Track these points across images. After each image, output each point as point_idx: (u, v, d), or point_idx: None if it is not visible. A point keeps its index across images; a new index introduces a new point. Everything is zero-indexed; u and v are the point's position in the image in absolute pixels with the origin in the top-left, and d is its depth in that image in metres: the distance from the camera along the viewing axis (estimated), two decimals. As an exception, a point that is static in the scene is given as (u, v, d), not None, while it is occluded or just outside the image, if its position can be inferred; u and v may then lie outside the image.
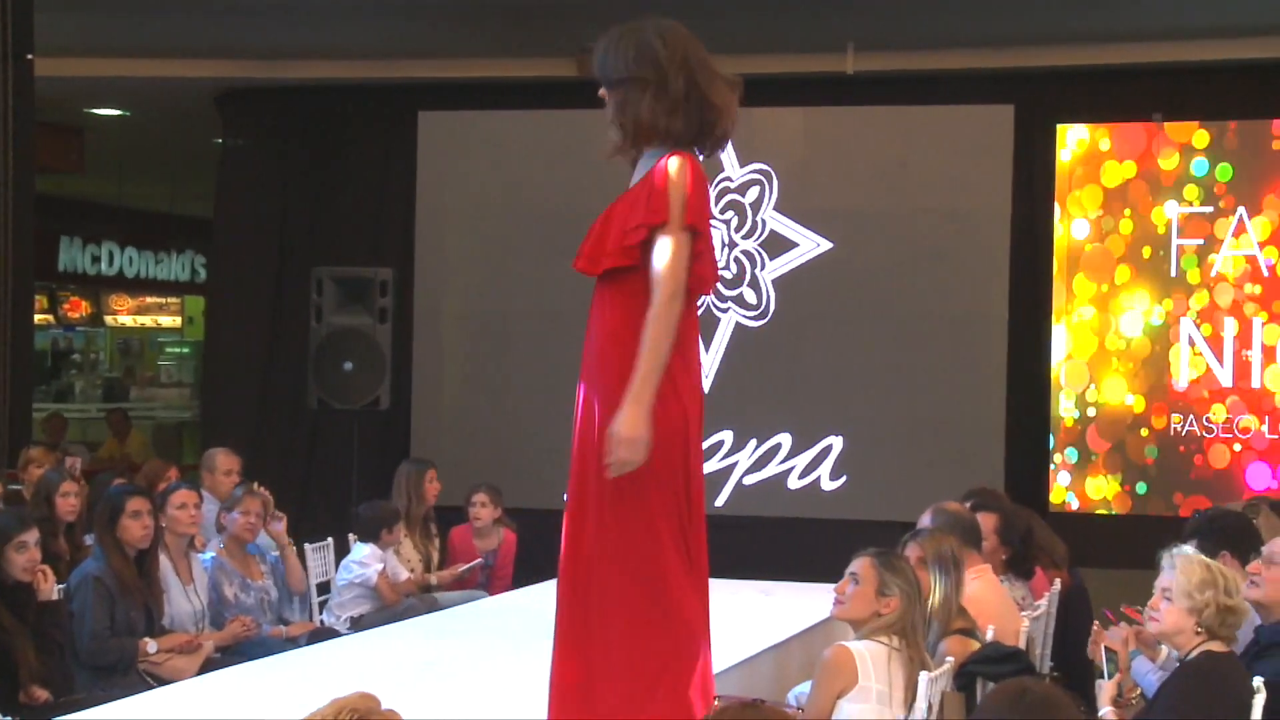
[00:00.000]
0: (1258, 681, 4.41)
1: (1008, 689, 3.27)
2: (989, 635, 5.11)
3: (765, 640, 5.77)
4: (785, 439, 9.72)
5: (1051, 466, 9.55)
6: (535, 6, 9.39)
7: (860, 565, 4.67)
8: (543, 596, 6.96)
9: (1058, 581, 6.51)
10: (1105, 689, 4.48)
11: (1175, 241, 9.38)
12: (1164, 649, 4.78)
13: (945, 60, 9.68)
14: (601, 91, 3.73)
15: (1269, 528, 6.17)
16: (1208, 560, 4.51)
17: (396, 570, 7.48)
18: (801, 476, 9.70)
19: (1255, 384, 9.20)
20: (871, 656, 4.46)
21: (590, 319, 3.77)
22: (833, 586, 4.80)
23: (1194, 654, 4.44)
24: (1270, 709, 4.39)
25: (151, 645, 5.91)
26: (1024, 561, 6.14)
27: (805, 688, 4.79)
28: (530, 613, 6.53)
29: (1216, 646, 4.50)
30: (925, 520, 5.67)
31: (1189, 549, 4.56)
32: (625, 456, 3.57)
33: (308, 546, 7.70)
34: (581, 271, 3.79)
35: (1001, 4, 9.17)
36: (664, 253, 3.56)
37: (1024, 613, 5.75)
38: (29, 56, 8.19)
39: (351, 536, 7.87)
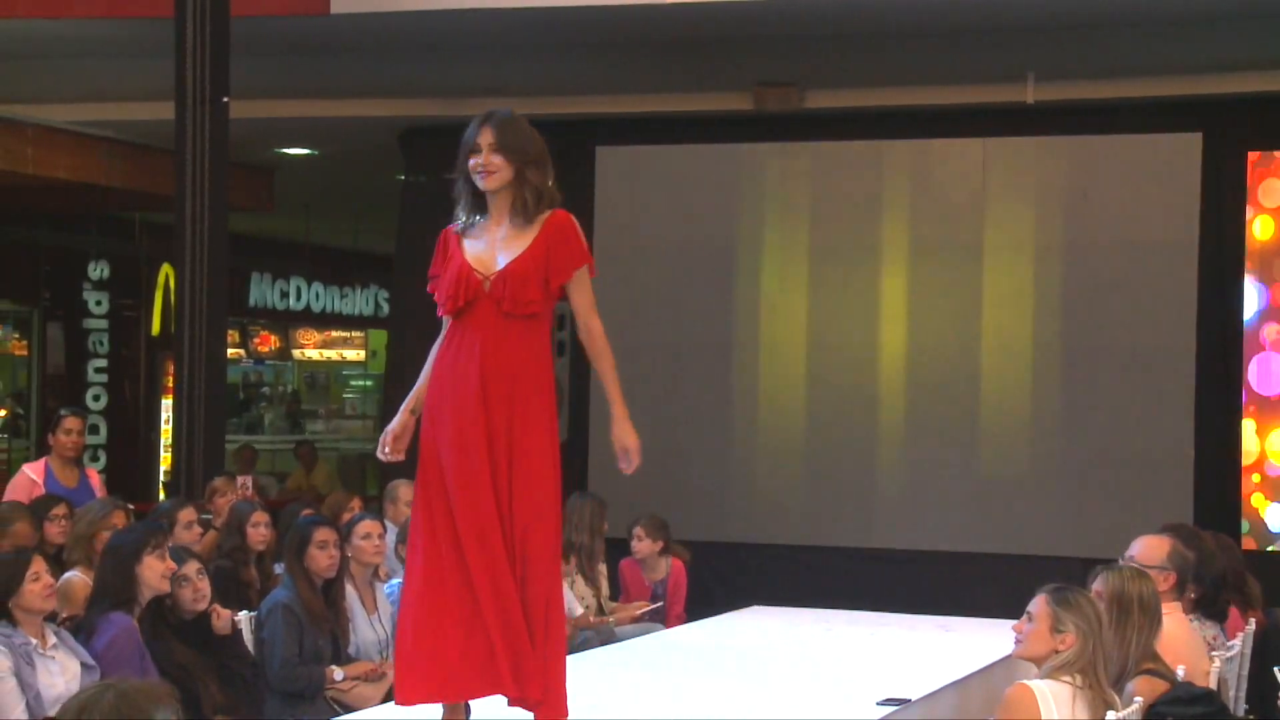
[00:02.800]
0: None
1: None
2: (1180, 674, 4.98)
3: (946, 676, 5.70)
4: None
5: (1242, 503, 9.27)
6: (711, 41, 9.44)
7: (1036, 603, 4.61)
8: (717, 629, 6.99)
9: (1253, 621, 6.32)
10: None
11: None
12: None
13: (1126, 89, 9.50)
14: (491, 157, 4.33)
15: None
16: None
17: (571, 605, 7.52)
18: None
19: None
20: (1054, 695, 4.38)
21: (497, 348, 4.33)
22: (1012, 624, 4.74)
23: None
24: None
25: (338, 673, 6.03)
26: (1215, 601, 5.97)
27: (987, 726, 4.71)
28: (705, 646, 6.55)
29: None
30: (1143, 554, 5.54)
31: None
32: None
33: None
34: (507, 313, 4.33)
35: (1182, 30, 9.00)
36: (587, 288, 4.38)
37: (1215, 653, 5.60)
38: (225, 100, 8.45)
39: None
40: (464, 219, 4.42)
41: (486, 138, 4.35)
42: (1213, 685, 5.28)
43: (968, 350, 9.70)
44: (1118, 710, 4.38)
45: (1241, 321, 9.34)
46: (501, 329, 4.33)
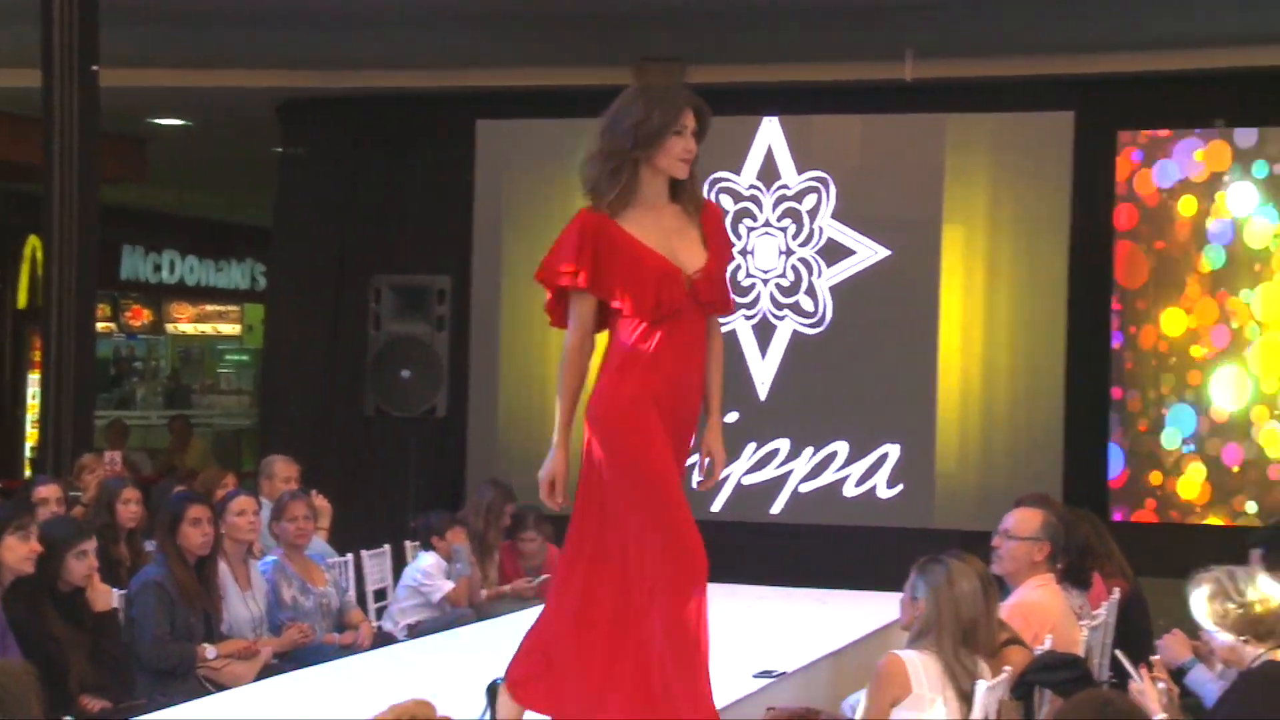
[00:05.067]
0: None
1: (1091, 699, 3.27)
2: (1047, 644, 5.09)
3: (821, 648, 5.76)
4: (842, 447, 9.68)
5: (1110, 474, 9.46)
6: (593, 15, 9.41)
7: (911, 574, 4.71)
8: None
9: (1116, 590, 6.46)
10: (1149, 694, 4.46)
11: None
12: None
13: (1004, 67, 9.62)
14: (692, 143, 4.11)
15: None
16: (1208, 575, 4.54)
17: (456, 575, 7.49)
18: (858, 484, 9.67)
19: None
20: (924, 665, 4.44)
21: (702, 351, 4.07)
22: (889, 595, 4.81)
23: (1256, 663, 4.43)
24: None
25: (210, 651, 5.96)
26: (1080, 571, 6.09)
27: (860, 696, 4.77)
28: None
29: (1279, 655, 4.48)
30: (1017, 525, 5.64)
31: (1199, 584, 4.58)
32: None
33: (365, 554, 7.75)
34: (708, 314, 4.12)
35: (1061, 10, 9.12)
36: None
37: (1082, 622, 5.71)
38: (94, 68, 8.27)
39: (410, 544, 7.91)
40: (609, 201, 4.03)
41: (690, 121, 4.08)
42: (1081, 654, 5.39)
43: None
44: (986, 679, 4.45)
45: (1110, 297, 9.51)
46: (701, 330, 4.07)
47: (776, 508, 9.75)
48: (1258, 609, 4.49)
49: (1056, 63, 9.50)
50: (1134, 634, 6.27)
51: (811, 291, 9.83)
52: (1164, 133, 9.43)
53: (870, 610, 6.50)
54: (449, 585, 7.40)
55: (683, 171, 4.08)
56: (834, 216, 9.81)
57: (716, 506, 9.75)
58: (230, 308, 18.28)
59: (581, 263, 4.00)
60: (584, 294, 4.04)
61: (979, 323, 9.63)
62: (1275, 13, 8.82)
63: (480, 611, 7.43)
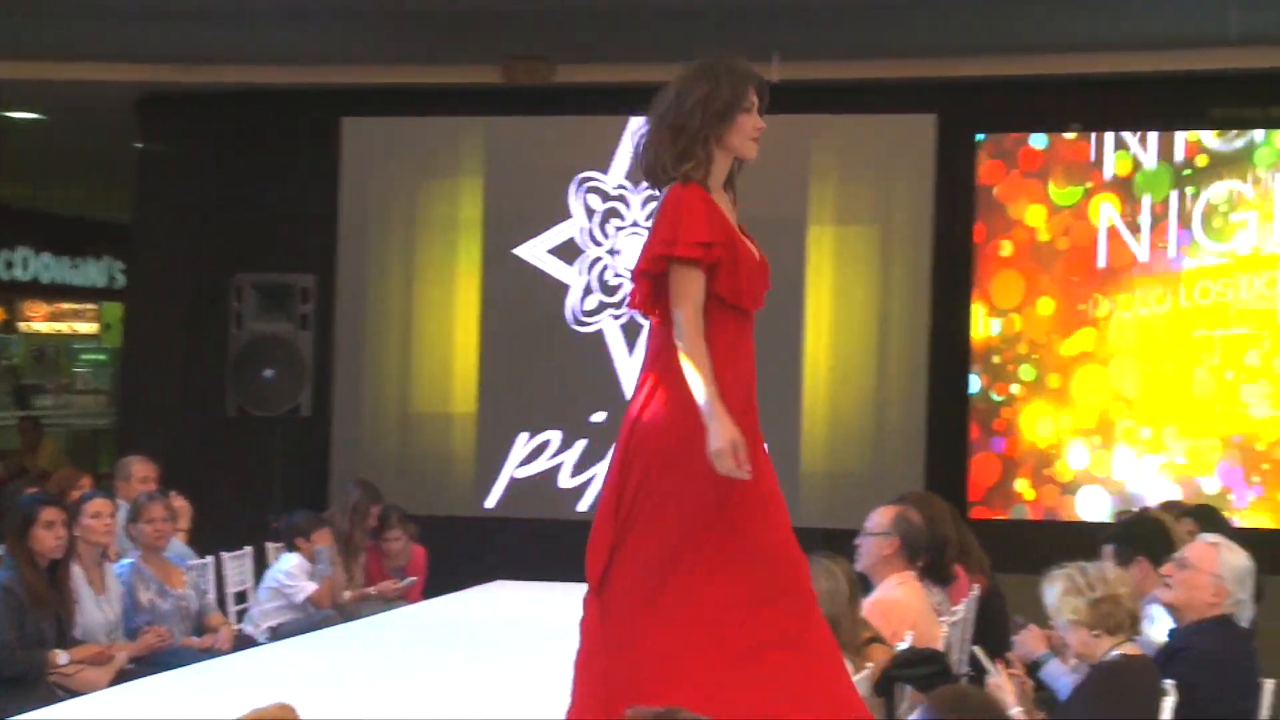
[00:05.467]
0: (1168, 684, 4.48)
1: (948, 693, 3.30)
2: (908, 640, 5.14)
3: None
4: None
5: (970, 473, 9.60)
6: (460, 13, 9.34)
7: None
8: (459, 604, 6.95)
9: (976, 586, 6.55)
10: (1006, 688, 4.54)
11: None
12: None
13: (869, 70, 9.73)
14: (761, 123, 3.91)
15: (1185, 531, 6.26)
16: (1061, 570, 4.64)
17: (319, 577, 7.40)
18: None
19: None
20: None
21: (751, 348, 3.92)
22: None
23: (1107, 656, 4.52)
24: (1181, 711, 4.46)
25: (62, 657, 5.82)
26: (941, 567, 6.17)
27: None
28: (444, 621, 6.51)
29: (1130, 649, 4.58)
30: (873, 523, 5.71)
31: (1052, 580, 4.67)
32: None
33: (225, 555, 7.63)
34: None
35: (924, 14, 9.24)
36: None
37: (942, 618, 5.79)
38: (-58, 59, 8.06)
39: (272, 545, 7.80)
40: (698, 181, 3.81)
41: (756, 100, 3.86)
42: (941, 649, 5.46)
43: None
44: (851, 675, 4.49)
45: (970, 296, 9.66)
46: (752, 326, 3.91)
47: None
48: (1109, 603, 4.58)
49: (919, 66, 9.62)
50: (992, 629, 6.36)
51: (679, 291, 9.84)
52: (1023, 135, 9.59)
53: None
54: (312, 586, 7.31)
55: (752, 151, 3.90)
56: (700, 217, 9.84)
57: (583, 506, 9.73)
58: (87, 306, 17.89)
59: (715, 235, 3.76)
60: (697, 270, 3.76)
61: (843, 322, 9.72)
62: (1128, 19, 9.04)
63: (344, 613, 7.35)
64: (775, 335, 9.70)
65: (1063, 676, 4.86)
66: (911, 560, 5.81)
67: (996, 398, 9.59)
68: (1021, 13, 9.27)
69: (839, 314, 9.73)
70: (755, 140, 3.87)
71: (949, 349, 9.64)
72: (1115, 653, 4.55)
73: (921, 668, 4.77)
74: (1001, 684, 4.60)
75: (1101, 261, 9.46)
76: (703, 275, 3.76)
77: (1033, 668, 5.03)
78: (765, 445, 3.97)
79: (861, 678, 4.56)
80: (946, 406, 9.59)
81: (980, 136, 9.67)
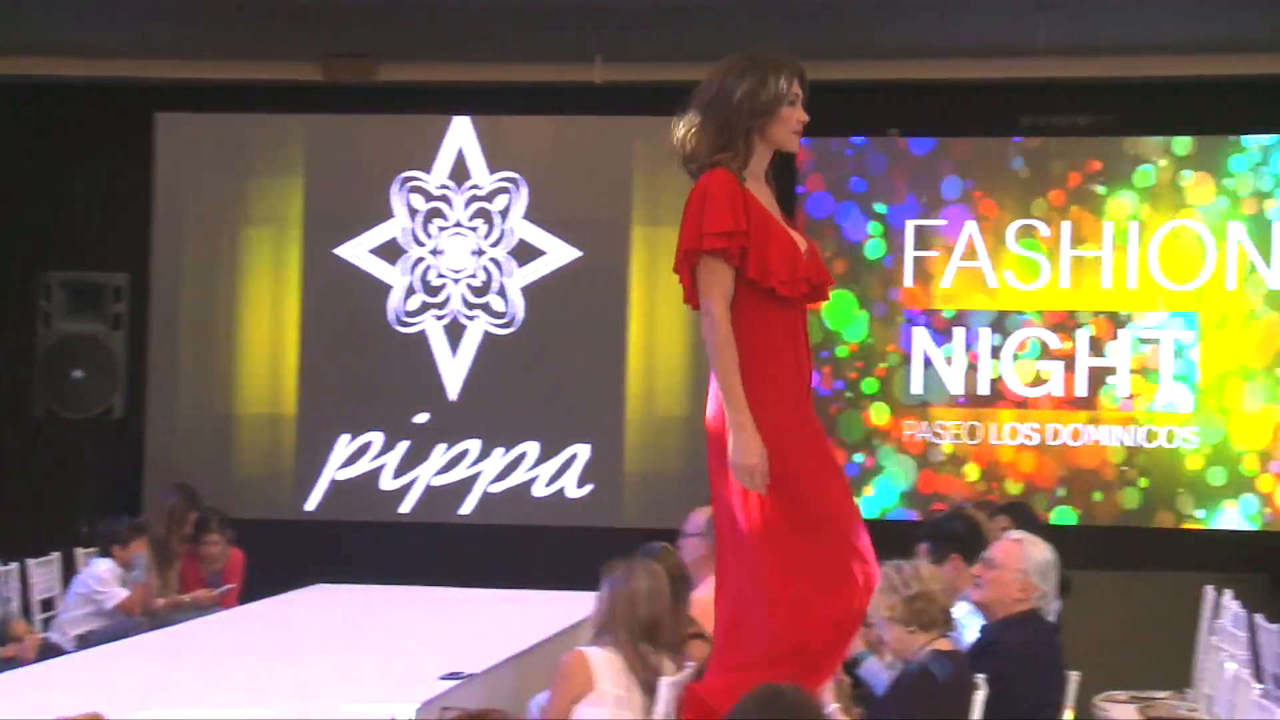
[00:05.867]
0: (979, 679, 4.59)
1: (764, 691, 3.35)
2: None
3: (508, 649, 5.74)
4: (532, 447, 9.71)
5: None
6: (280, 8, 9.20)
7: None
8: (277, 609, 6.84)
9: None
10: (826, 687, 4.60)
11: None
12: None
13: (692, 72, 9.73)
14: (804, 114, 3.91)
15: (1000, 529, 6.41)
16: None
17: (132, 583, 7.23)
18: (548, 484, 9.71)
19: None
20: (608, 661, 4.48)
21: (804, 334, 3.91)
22: (579, 595, 4.84)
23: (922, 653, 4.61)
24: (991, 706, 4.57)
25: None
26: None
27: (546, 695, 4.77)
28: (261, 626, 6.39)
29: (943, 644, 4.68)
30: (690, 523, 5.74)
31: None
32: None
33: (31, 562, 7.41)
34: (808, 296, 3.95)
35: (749, 18, 9.35)
36: None
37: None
38: None
39: (82, 551, 7.60)
40: (737, 171, 3.82)
41: (799, 91, 3.87)
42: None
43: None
44: (669, 674, 4.51)
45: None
46: (805, 316, 3.93)
47: (466, 508, 9.72)
48: (923, 600, 4.67)
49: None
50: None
51: (503, 292, 9.83)
52: (841, 139, 9.74)
53: (559, 610, 6.52)
54: (123, 593, 7.14)
55: (795, 144, 3.91)
56: (525, 217, 9.84)
57: (405, 508, 9.67)
58: None
59: (738, 223, 3.75)
60: (722, 262, 3.77)
61: (666, 323, 9.78)
62: (942, 28, 9.25)
63: (156, 620, 7.18)
64: (598, 336, 9.75)
65: (880, 674, 4.94)
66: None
67: (823, 392, 9.71)
68: (843, 20, 9.42)
69: (662, 315, 9.79)
70: (798, 133, 3.90)
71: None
72: (929, 648, 4.64)
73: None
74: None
75: (909, 274, 9.64)
76: (730, 266, 3.76)
77: (851, 665, 5.11)
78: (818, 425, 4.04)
79: (681, 676, 4.59)
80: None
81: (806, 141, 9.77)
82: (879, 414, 9.61)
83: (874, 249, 9.68)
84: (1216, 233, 9.32)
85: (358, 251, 9.87)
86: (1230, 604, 6.92)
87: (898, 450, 9.57)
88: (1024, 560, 5.07)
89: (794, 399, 3.84)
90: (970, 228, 9.56)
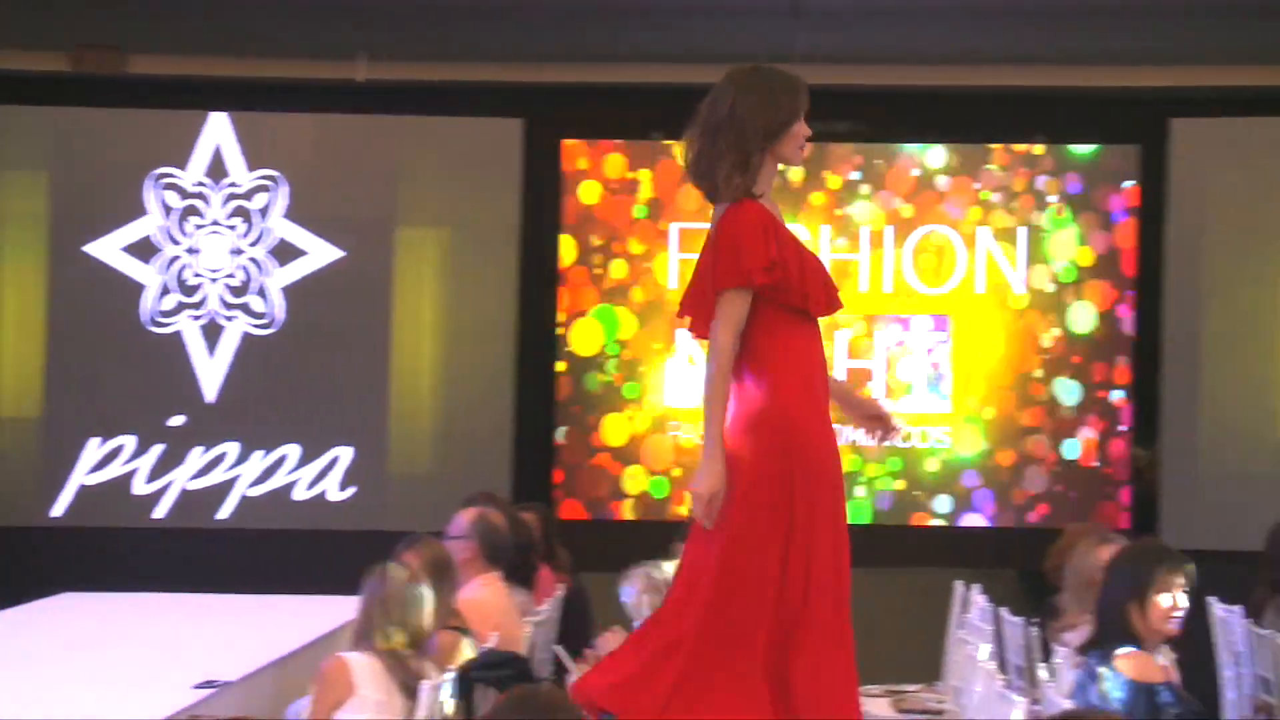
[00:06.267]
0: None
1: (516, 694, 3.35)
2: (492, 641, 5.17)
3: (267, 655, 5.63)
4: (293, 450, 9.54)
5: (558, 474, 9.74)
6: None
7: None
8: (21, 620, 6.57)
9: (561, 586, 6.64)
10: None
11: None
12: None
13: (456, 72, 9.74)
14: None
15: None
16: (639, 570, 4.79)
17: None
18: (309, 487, 9.55)
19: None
20: (368, 665, 4.42)
21: (821, 352, 3.95)
22: (341, 599, 4.77)
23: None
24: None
25: None
26: (525, 568, 6.23)
27: (306, 702, 4.69)
28: (5, 637, 6.16)
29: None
30: (453, 526, 5.71)
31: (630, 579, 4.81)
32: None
33: None
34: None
35: (514, 20, 9.33)
36: None
37: (526, 618, 5.84)
38: None
39: None
40: (751, 191, 3.84)
41: (806, 107, 3.92)
42: (525, 650, 5.51)
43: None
44: (431, 678, 4.47)
45: (556, 302, 9.80)
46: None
47: (224, 513, 9.49)
48: None
49: (506, 70, 9.70)
50: (576, 629, 6.46)
51: (263, 292, 9.63)
52: (608, 142, 9.79)
53: (320, 615, 6.41)
54: None
55: (801, 159, 3.92)
56: (286, 216, 9.66)
57: (160, 513, 9.40)
58: None
59: (770, 255, 3.76)
60: (746, 292, 3.78)
61: (430, 324, 9.71)
62: (703, 33, 9.37)
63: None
64: (362, 337, 9.63)
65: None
66: (494, 562, 5.85)
67: (590, 391, 9.74)
68: (603, 23, 9.48)
69: (427, 316, 9.72)
70: (804, 149, 3.93)
71: (537, 351, 9.75)
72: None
73: (502, 670, 4.80)
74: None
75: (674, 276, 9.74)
76: (744, 296, 3.78)
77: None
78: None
79: (443, 680, 4.56)
80: (534, 408, 9.70)
81: (566, 141, 9.82)
82: (642, 420, 9.71)
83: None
84: (967, 239, 9.63)
85: (109, 249, 9.56)
86: (978, 599, 7.14)
87: (663, 449, 9.68)
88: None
89: (823, 417, 3.90)
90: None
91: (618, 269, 9.75)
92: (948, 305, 9.64)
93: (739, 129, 3.84)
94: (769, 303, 3.81)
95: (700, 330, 3.91)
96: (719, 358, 3.77)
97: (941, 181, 9.67)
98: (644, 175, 9.77)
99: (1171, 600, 4.56)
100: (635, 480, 9.70)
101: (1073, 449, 9.53)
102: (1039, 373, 9.56)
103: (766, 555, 3.72)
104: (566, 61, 9.69)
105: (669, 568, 4.86)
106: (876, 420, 4.09)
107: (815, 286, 3.87)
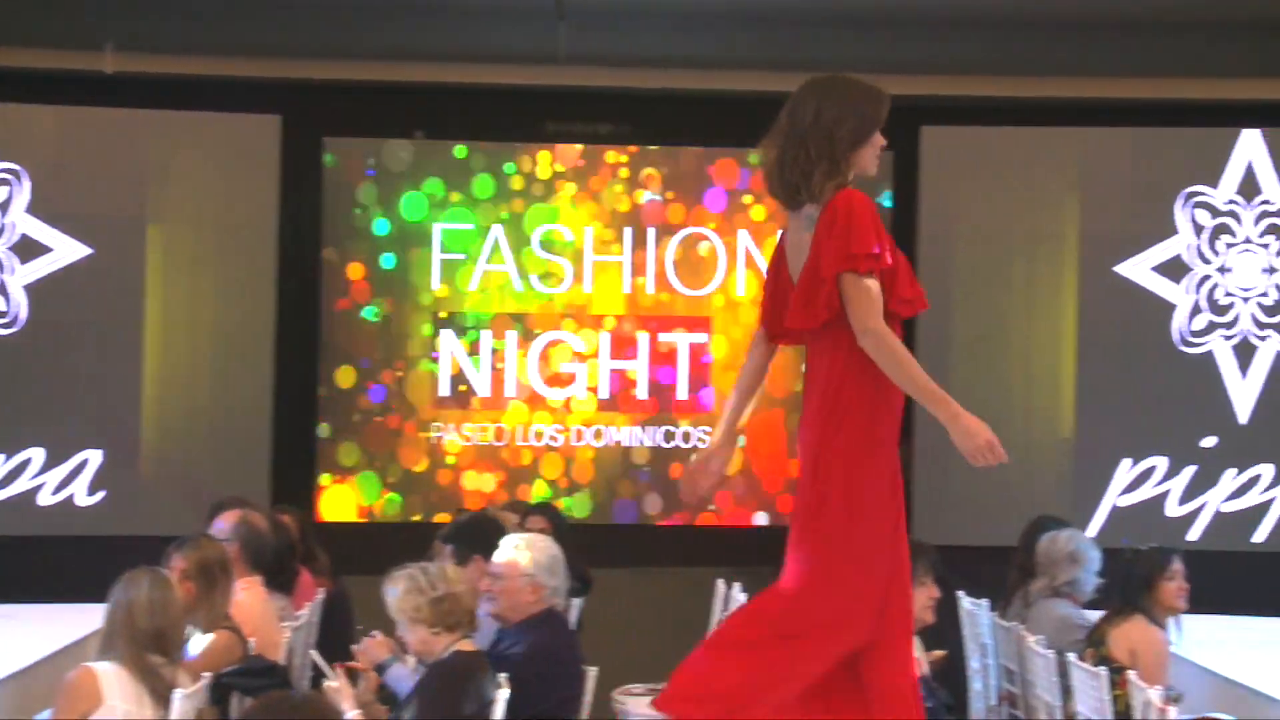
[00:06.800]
0: (501, 677, 4.65)
1: (269, 699, 3.29)
2: (252, 646, 5.07)
3: (6, 667, 5.41)
4: (38, 453, 9.19)
5: (318, 476, 9.58)
6: None
7: None
8: None
9: (321, 590, 6.54)
10: (344, 692, 4.56)
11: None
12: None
13: (213, 66, 9.49)
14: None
15: (538, 529, 6.52)
16: (403, 571, 4.77)
17: None
18: (55, 492, 9.21)
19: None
20: (116, 675, 4.28)
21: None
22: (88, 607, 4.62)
23: (446, 653, 4.63)
24: (513, 705, 4.64)
25: None
26: (283, 572, 6.11)
27: (49, 714, 4.52)
28: None
29: (465, 645, 4.71)
30: (219, 528, 5.58)
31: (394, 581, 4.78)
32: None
33: None
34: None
35: (269, 14, 9.14)
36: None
37: (285, 623, 5.73)
38: None
39: None
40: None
41: (885, 116, 3.94)
42: (283, 655, 5.41)
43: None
44: (184, 686, 4.34)
45: (319, 299, 9.63)
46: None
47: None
48: (450, 601, 4.70)
49: (265, 65, 9.49)
50: (337, 633, 6.37)
51: (4, 290, 9.25)
52: (372, 140, 9.67)
53: (64, 624, 6.19)
54: None
55: (875, 170, 3.95)
56: (29, 211, 9.29)
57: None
58: None
59: (879, 246, 3.77)
60: (875, 276, 3.78)
61: (186, 324, 9.46)
62: (466, 32, 9.33)
63: None
64: (111, 337, 9.32)
65: (405, 679, 4.93)
66: (255, 566, 5.74)
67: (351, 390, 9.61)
68: (371, 18, 9.35)
69: (182, 315, 9.46)
70: (878, 158, 3.95)
71: (298, 350, 9.57)
72: (452, 649, 4.66)
73: (260, 679, 4.70)
74: (340, 688, 4.60)
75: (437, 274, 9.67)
76: (874, 278, 3.79)
77: (379, 672, 5.07)
78: None
79: (196, 689, 4.44)
80: (295, 408, 9.52)
81: (326, 137, 9.67)
82: (403, 415, 9.61)
83: (399, 251, 9.67)
84: (727, 241, 9.76)
85: None
86: (739, 596, 7.25)
87: (426, 453, 9.60)
88: (527, 566, 5.19)
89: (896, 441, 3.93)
90: (496, 231, 9.67)
91: (380, 267, 9.64)
92: (709, 306, 9.76)
93: (826, 135, 3.87)
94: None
95: (809, 320, 3.88)
96: (888, 341, 3.76)
97: (706, 184, 9.77)
98: (410, 174, 9.68)
99: (927, 591, 4.69)
100: (398, 481, 9.60)
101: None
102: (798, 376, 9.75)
103: (875, 569, 3.85)
104: (328, 58, 9.53)
105: (434, 569, 4.82)
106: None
107: (910, 288, 3.90)
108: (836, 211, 3.81)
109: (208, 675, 4.59)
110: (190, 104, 9.53)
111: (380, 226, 9.66)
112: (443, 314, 9.64)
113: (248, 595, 5.56)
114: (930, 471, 9.27)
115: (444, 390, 9.62)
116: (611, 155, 9.75)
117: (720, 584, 7.80)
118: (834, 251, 3.77)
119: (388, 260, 9.65)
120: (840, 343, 3.82)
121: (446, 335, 9.63)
